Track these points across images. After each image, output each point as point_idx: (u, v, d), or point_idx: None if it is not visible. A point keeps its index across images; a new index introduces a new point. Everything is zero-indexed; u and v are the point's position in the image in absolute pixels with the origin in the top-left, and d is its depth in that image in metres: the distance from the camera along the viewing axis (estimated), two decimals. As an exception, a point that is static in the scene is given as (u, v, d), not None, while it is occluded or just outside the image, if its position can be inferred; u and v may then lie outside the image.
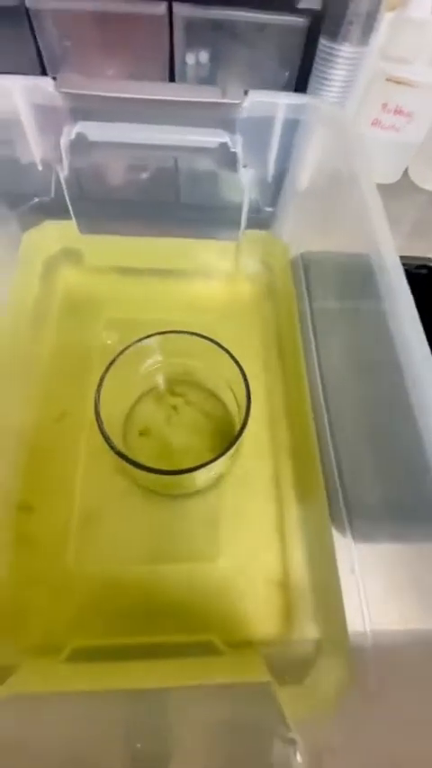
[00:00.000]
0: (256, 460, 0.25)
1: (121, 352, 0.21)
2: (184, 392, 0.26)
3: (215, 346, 0.22)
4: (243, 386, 0.21)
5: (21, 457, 0.25)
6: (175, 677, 0.19)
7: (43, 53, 0.27)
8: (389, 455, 0.20)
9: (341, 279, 0.28)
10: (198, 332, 0.22)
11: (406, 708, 0.17)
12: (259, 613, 0.22)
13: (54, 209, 0.29)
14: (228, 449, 0.19)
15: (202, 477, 0.22)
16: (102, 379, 0.20)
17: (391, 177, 0.43)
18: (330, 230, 0.30)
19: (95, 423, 0.20)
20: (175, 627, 0.21)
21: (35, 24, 0.25)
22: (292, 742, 0.13)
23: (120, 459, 0.19)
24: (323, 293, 0.30)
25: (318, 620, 0.22)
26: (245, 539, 0.23)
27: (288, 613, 0.22)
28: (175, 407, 0.26)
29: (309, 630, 0.22)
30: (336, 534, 0.22)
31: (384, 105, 0.36)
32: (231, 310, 0.31)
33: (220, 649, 0.21)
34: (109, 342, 0.28)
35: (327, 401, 0.26)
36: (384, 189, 0.43)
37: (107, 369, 0.21)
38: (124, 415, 0.25)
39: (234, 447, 0.19)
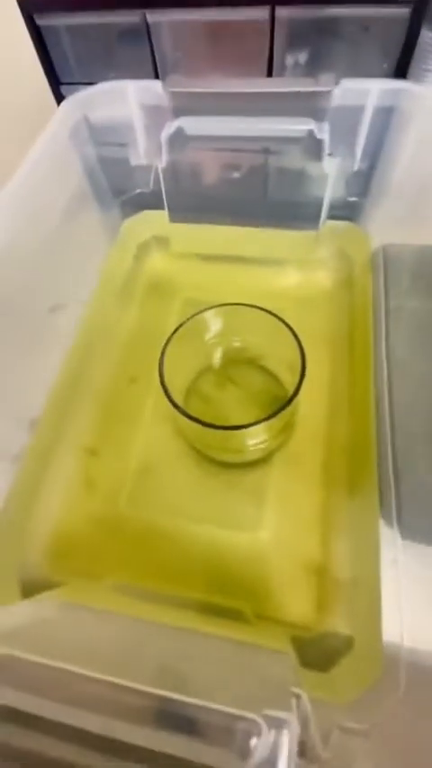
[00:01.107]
0: (309, 443, 0.25)
1: (188, 320, 0.23)
2: (243, 369, 0.27)
3: (279, 323, 0.23)
4: (300, 361, 0.21)
5: (95, 410, 0.28)
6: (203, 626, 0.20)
7: (158, 63, 0.31)
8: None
9: (426, 274, 0.27)
10: (261, 306, 0.23)
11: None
12: (292, 594, 0.21)
13: (151, 200, 0.33)
14: (277, 412, 0.19)
15: (250, 441, 0.22)
16: (167, 342, 0.22)
17: None
18: (420, 224, 0.28)
19: (161, 390, 0.21)
20: (209, 587, 0.22)
21: (153, 37, 0.29)
22: (297, 696, 0.13)
23: (177, 413, 0.21)
24: (403, 287, 0.28)
25: (352, 615, 0.21)
26: (288, 517, 0.23)
27: (321, 601, 0.21)
28: (234, 381, 0.27)
29: (341, 624, 0.21)
30: (382, 525, 0.20)
31: None
32: (305, 299, 0.31)
33: (249, 619, 0.21)
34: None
35: (391, 396, 0.24)
36: None
37: (173, 333, 0.22)
38: (185, 383, 0.27)
39: (283, 411, 0.19)
